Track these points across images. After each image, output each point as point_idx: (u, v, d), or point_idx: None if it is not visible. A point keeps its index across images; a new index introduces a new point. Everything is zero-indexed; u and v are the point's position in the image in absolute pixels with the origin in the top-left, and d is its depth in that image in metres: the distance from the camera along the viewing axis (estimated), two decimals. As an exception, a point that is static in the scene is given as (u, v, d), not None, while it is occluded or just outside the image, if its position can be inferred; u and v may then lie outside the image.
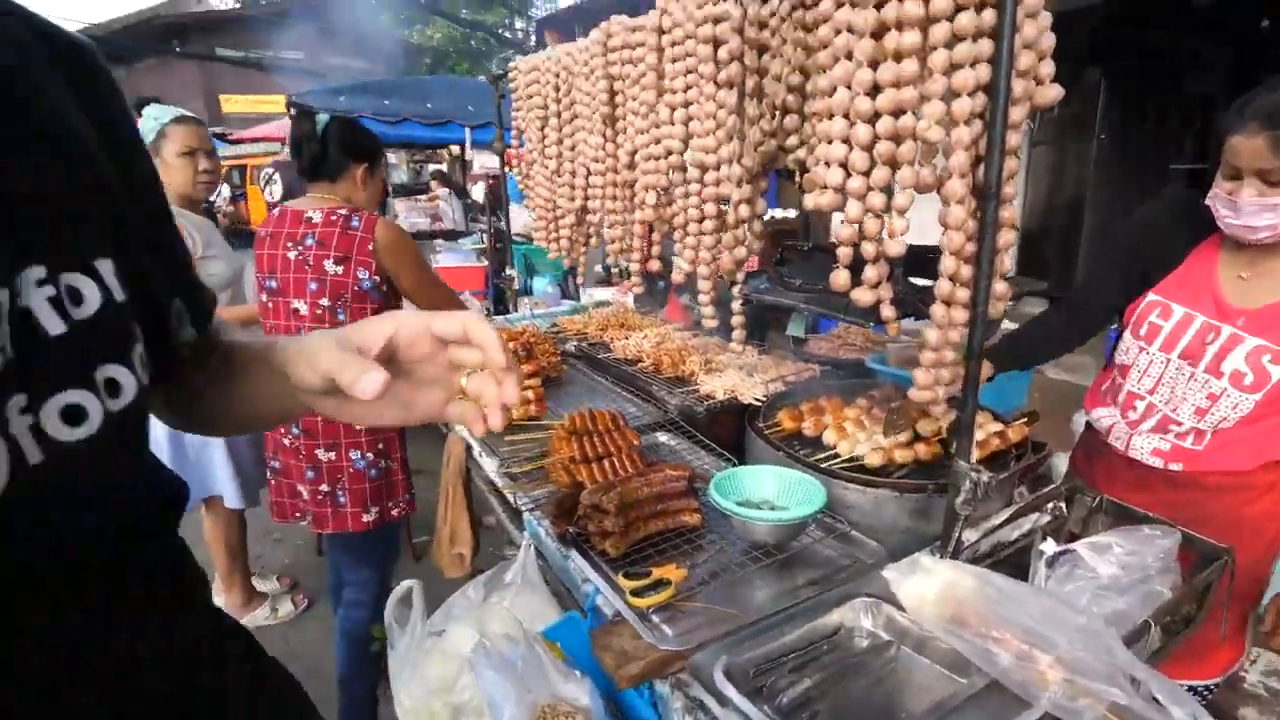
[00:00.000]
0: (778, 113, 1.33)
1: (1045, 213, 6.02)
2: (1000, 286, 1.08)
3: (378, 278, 1.78)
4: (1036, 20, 1.00)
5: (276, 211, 1.87)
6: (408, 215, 6.43)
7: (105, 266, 0.47)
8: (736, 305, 1.53)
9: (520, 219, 3.58)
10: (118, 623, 0.50)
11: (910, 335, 1.79)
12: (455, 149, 6.87)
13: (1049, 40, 1.02)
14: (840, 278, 1.14)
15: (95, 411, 0.44)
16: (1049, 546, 1.00)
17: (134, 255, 0.51)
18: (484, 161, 4.97)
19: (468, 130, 4.31)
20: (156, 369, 0.53)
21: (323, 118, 1.88)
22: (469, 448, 1.83)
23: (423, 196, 7.09)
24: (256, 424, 0.71)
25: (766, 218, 1.49)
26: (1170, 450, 1.38)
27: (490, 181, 5.08)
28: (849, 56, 1.05)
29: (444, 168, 8.42)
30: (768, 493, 1.22)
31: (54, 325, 0.42)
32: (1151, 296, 1.39)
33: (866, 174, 1.07)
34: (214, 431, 0.75)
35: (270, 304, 1.81)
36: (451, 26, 18.52)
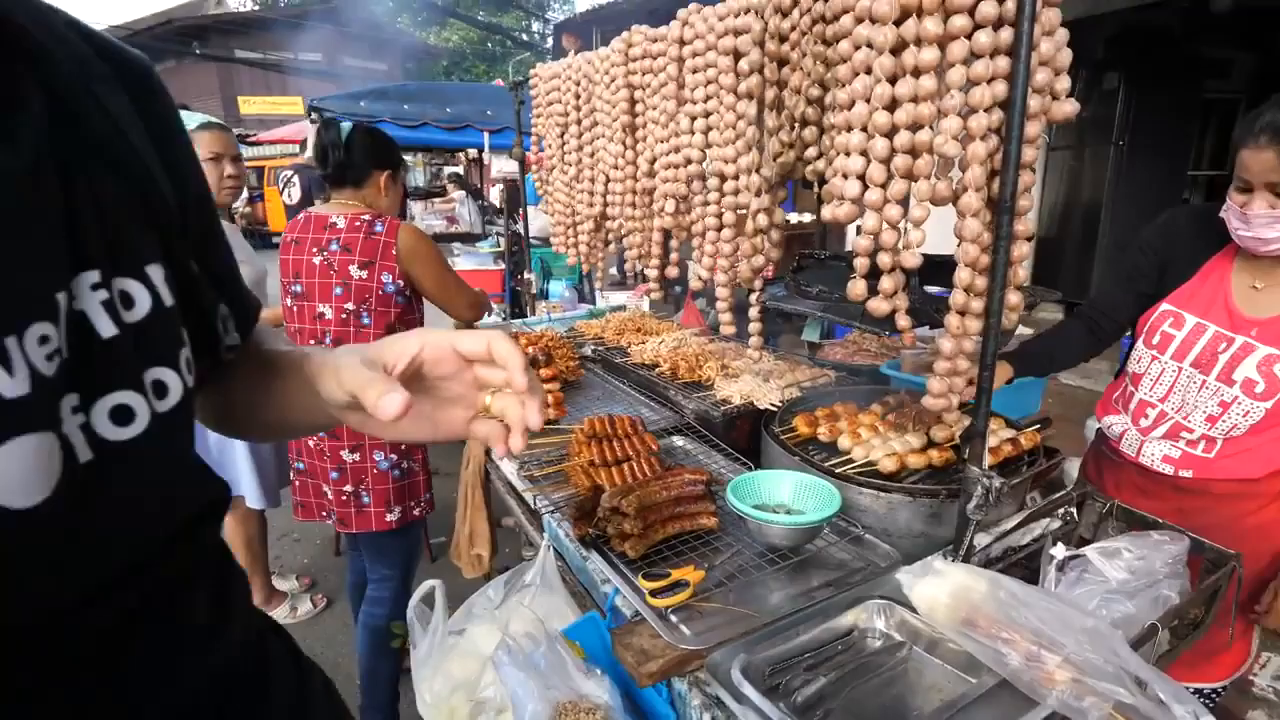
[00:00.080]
0: (796, 124, 1.36)
1: (1063, 217, 5.98)
2: (1014, 297, 1.10)
3: (401, 281, 1.83)
4: (1053, 37, 1.02)
5: (302, 217, 1.92)
6: (424, 218, 6.51)
7: (156, 272, 0.49)
8: (754, 312, 1.56)
9: (537, 221, 3.62)
10: (168, 621, 0.51)
11: (925, 342, 1.81)
12: (473, 152, 6.95)
13: (1065, 56, 1.04)
14: (857, 287, 1.17)
15: (143, 412, 0.45)
16: (1059, 551, 1.02)
17: (183, 262, 0.53)
18: (502, 166, 5.03)
19: (486, 135, 4.37)
20: (202, 372, 0.54)
21: (346, 125, 1.93)
22: (489, 450, 1.87)
23: (439, 199, 7.17)
24: (288, 431, 0.72)
25: (782, 223, 1.51)
26: (1180, 458, 1.39)
27: (507, 184, 5.13)
28: (868, 71, 1.07)
29: (460, 170, 8.51)
30: (784, 497, 1.24)
31: (106, 328, 0.44)
32: (1164, 306, 1.40)
33: (884, 186, 1.09)
34: (247, 435, 0.76)
35: (295, 308, 1.86)
36: (468, 29, 18.67)
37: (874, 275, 1.16)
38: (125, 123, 0.49)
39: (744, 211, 1.52)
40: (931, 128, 1.05)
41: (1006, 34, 0.97)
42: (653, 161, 1.77)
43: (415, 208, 6.72)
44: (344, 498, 1.81)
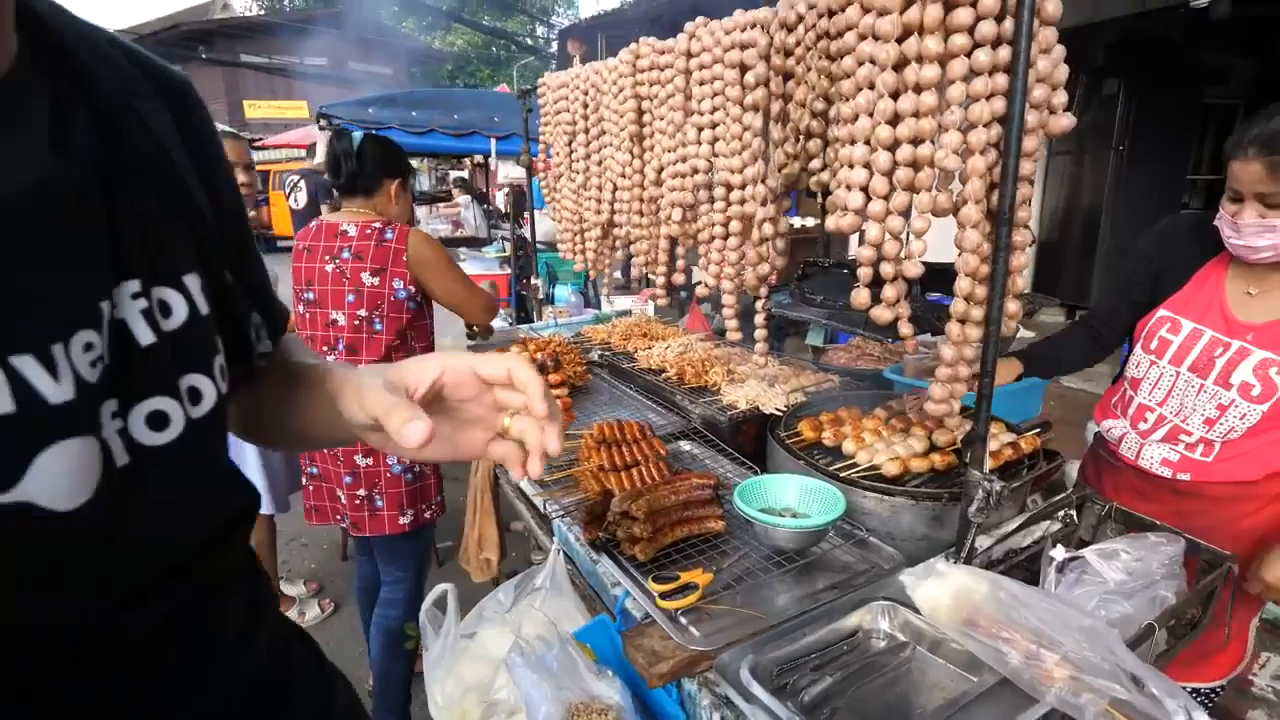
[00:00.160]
0: (801, 136, 1.39)
1: (1063, 222, 6.00)
2: (1013, 305, 1.13)
3: (412, 288, 1.86)
4: (1050, 55, 1.05)
5: (314, 225, 1.95)
6: (429, 222, 6.56)
7: (193, 282, 0.50)
8: (760, 319, 1.59)
9: (543, 225, 3.67)
10: (202, 627, 0.52)
11: (927, 347, 1.84)
12: (479, 157, 7.00)
13: (1062, 72, 1.07)
14: (860, 296, 1.20)
15: (177, 418, 0.47)
16: (1059, 553, 1.04)
17: (218, 272, 0.54)
18: (508, 171, 5.08)
19: (493, 141, 4.42)
20: (233, 379, 0.56)
21: (357, 135, 1.97)
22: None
23: (444, 204, 7.23)
24: (310, 443, 0.72)
25: (787, 231, 1.54)
26: (1179, 461, 1.41)
27: (513, 189, 5.18)
28: (871, 86, 1.11)
29: (465, 175, 8.57)
30: (790, 500, 1.27)
31: (145, 335, 0.45)
32: (1161, 312, 1.43)
33: (886, 198, 1.12)
34: (273, 444, 0.77)
35: (308, 315, 1.89)
36: (473, 33, 18.77)
37: (877, 284, 1.19)
38: (166, 139, 0.51)
39: (750, 219, 1.55)
40: (932, 142, 1.08)
41: (1005, 52, 1.00)
42: (660, 170, 1.80)
43: (420, 212, 6.76)
44: (357, 502, 1.84)
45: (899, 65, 1.07)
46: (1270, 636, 2.17)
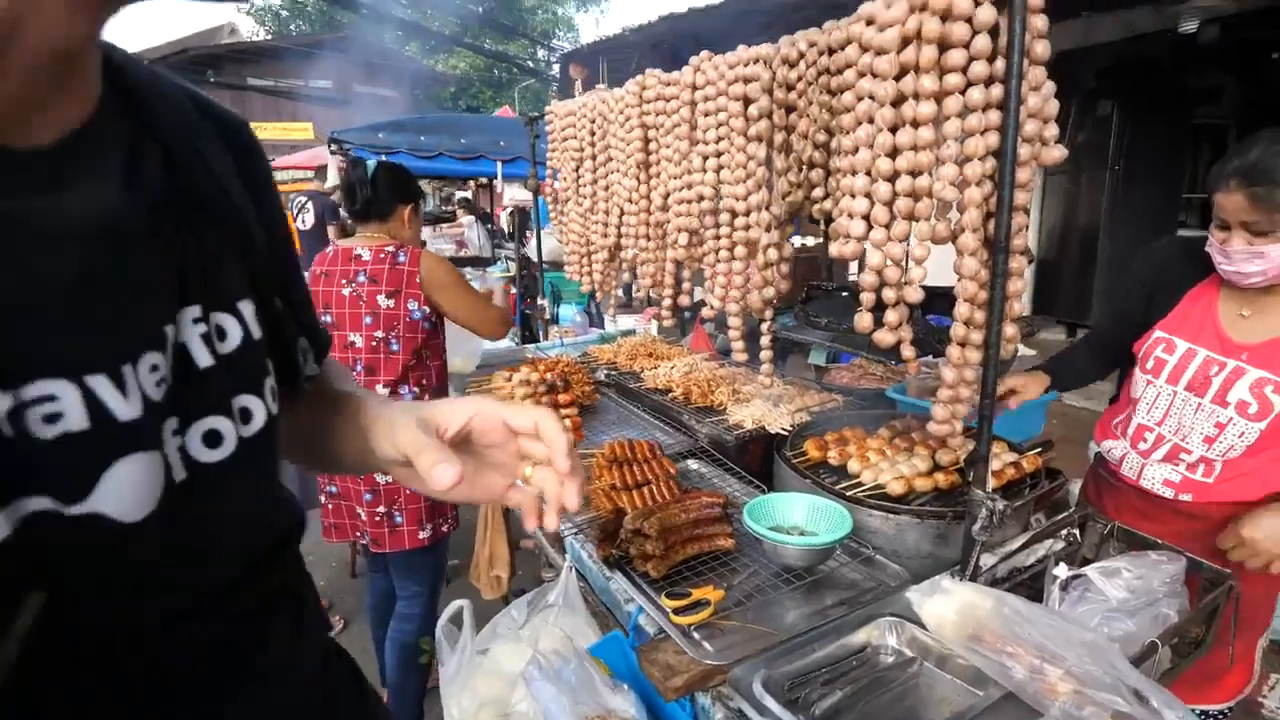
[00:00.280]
0: (804, 166, 1.45)
1: (1061, 241, 6.08)
2: (1010, 329, 1.17)
3: (427, 308, 1.92)
4: (1040, 91, 1.11)
5: (330, 250, 2.01)
6: (433, 242, 6.63)
7: (246, 308, 0.53)
8: (765, 340, 1.63)
9: (547, 244, 3.73)
10: (253, 644, 0.54)
11: (929, 368, 1.88)
12: (484, 178, 7.12)
13: (1052, 107, 1.13)
14: (863, 320, 1.24)
15: (230, 436, 0.49)
16: (1062, 570, 1.07)
17: (269, 299, 0.57)
18: (514, 194, 5.18)
19: (499, 164, 4.52)
20: (282, 400, 0.58)
21: (371, 163, 2.04)
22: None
23: (448, 224, 7.32)
24: (342, 468, 0.75)
25: (791, 256, 1.59)
26: (1181, 482, 1.44)
27: (517, 209, 5.26)
28: (870, 120, 1.16)
29: (470, 195, 8.69)
30: (797, 519, 1.30)
31: (203, 358, 0.48)
32: (1157, 333, 1.47)
33: (887, 226, 1.17)
34: (312, 466, 0.79)
35: (325, 337, 1.94)
36: (475, 56, 19.09)
37: (879, 308, 1.23)
38: (226, 176, 0.54)
39: (755, 244, 1.60)
40: (930, 174, 1.13)
41: (997, 90, 1.06)
42: (666, 196, 1.86)
43: (425, 232, 6.85)
44: (377, 518, 1.87)
45: (897, 101, 1.12)
46: (1278, 658, 2.17)
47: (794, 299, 1.78)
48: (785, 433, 1.65)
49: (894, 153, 1.14)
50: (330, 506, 1.98)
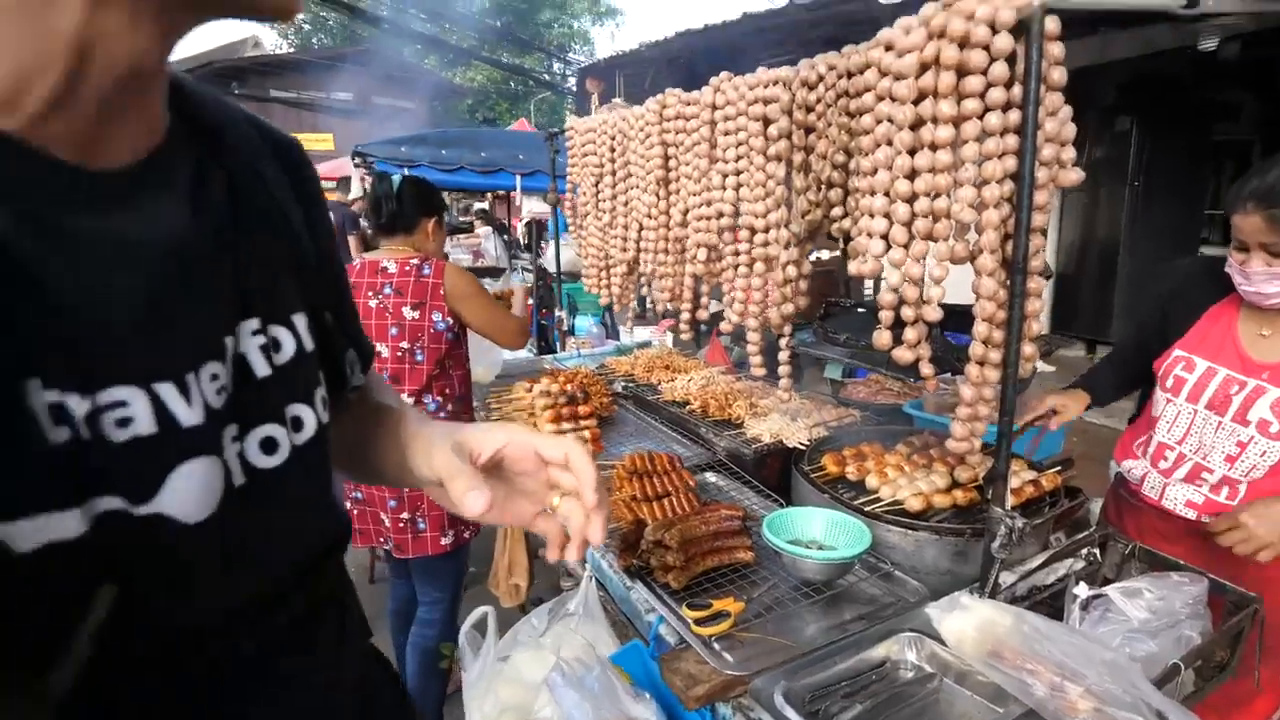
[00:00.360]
0: (823, 186, 1.47)
1: (1081, 257, 6.04)
2: (1029, 349, 1.19)
3: (450, 319, 1.97)
4: (1057, 116, 1.13)
5: (358, 263, 2.07)
6: (451, 252, 6.74)
7: (300, 320, 0.55)
8: (784, 356, 1.65)
9: (565, 254, 3.79)
10: (300, 650, 0.55)
11: (946, 384, 1.89)
12: (501, 191, 7.22)
13: (1069, 130, 1.15)
14: (882, 338, 1.26)
15: (284, 443, 0.51)
16: (1082, 590, 1.08)
17: (319, 311, 0.59)
18: (532, 206, 5.26)
19: (518, 177, 4.60)
20: (332, 410, 0.59)
21: (396, 178, 2.10)
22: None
23: (465, 235, 7.43)
24: (382, 480, 0.76)
25: (809, 274, 1.62)
26: (1204, 503, 1.43)
27: (536, 221, 5.33)
28: (889, 143, 1.18)
29: (486, 206, 8.82)
30: (816, 533, 1.32)
31: (261, 368, 0.50)
32: (1176, 351, 1.48)
33: (905, 246, 1.19)
34: (354, 475, 0.80)
35: (353, 347, 1.99)
36: (492, 69, 19.40)
37: (898, 325, 1.25)
38: (282, 195, 0.57)
39: (774, 260, 1.63)
40: (949, 195, 1.15)
41: (1015, 115, 1.08)
42: (685, 212, 1.89)
43: (443, 243, 6.96)
44: (401, 524, 1.91)
45: (915, 125, 1.14)
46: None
47: (812, 315, 1.80)
48: (803, 447, 1.67)
49: (912, 175, 1.16)
50: (355, 512, 2.02)
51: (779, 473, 1.69)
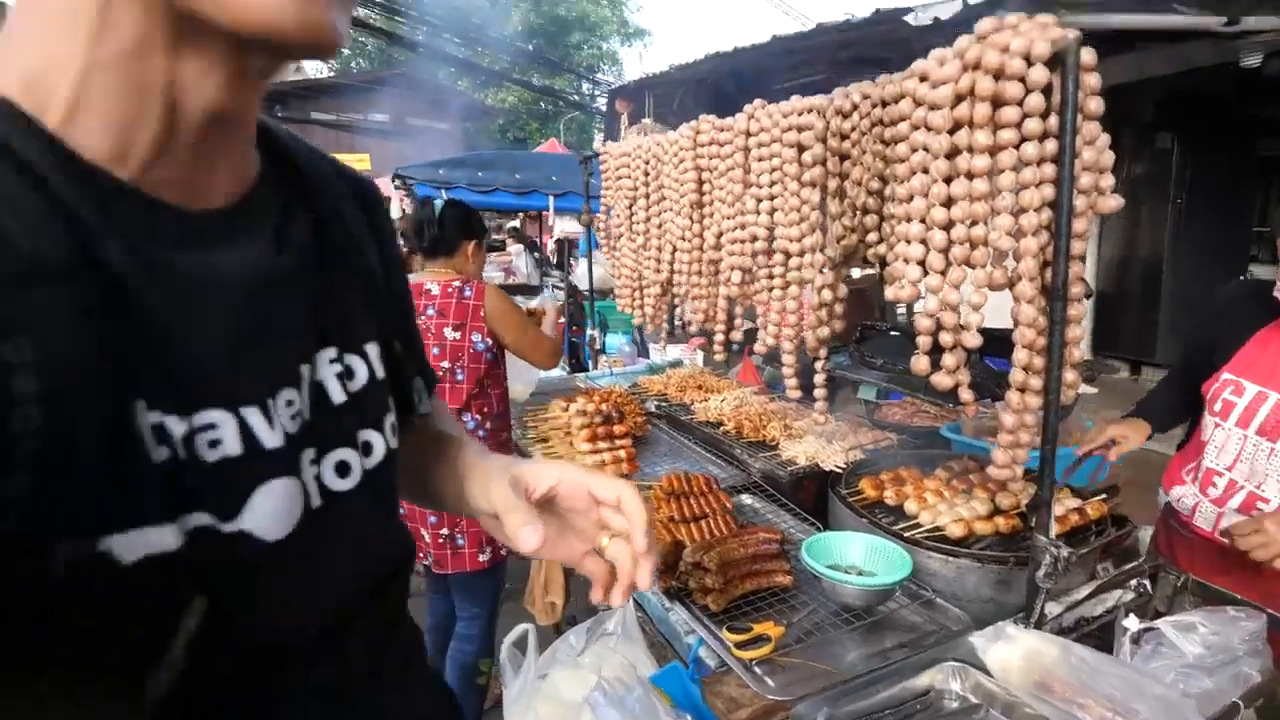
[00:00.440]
0: (858, 212, 1.49)
1: (1122, 277, 5.89)
2: (1070, 375, 1.18)
3: (490, 340, 2.03)
4: (1094, 145, 1.13)
5: (402, 285, 2.15)
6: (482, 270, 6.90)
7: (372, 350, 0.58)
8: (820, 378, 1.66)
9: (596, 271, 3.85)
10: (371, 675, 0.56)
11: (985, 408, 1.87)
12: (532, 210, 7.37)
13: (1108, 158, 1.14)
14: (920, 363, 1.26)
15: (356, 467, 0.53)
16: (1132, 623, 1.06)
17: (390, 341, 0.62)
18: (564, 226, 5.37)
19: (551, 198, 4.72)
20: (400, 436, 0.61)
21: (438, 203, 2.18)
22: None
23: (497, 253, 7.59)
24: (442, 506, 0.78)
25: (845, 298, 1.63)
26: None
27: (568, 241, 5.42)
28: (925, 171, 1.20)
29: (518, 224, 9.00)
30: (855, 558, 1.32)
31: (337, 395, 0.53)
32: (1225, 375, 1.45)
33: (943, 273, 1.20)
34: (415, 499, 0.81)
35: (395, 368, 2.06)
36: (523, 91, 19.88)
37: (936, 350, 1.25)
38: (359, 232, 0.60)
39: (809, 284, 1.64)
40: (986, 223, 1.16)
41: (1051, 145, 1.08)
42: (719, 235, 1.91)
43: (475, 261, 7.13)
44: (440, 540, 1.96)
45: (951, 154, 1.15)
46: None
47: (848, 338, 1.81)
48: (839, 470, 1.67)
49: (949, 202, 1.16)
50: (396, 528, 2.07)
51: (816, 496, 1.69)
